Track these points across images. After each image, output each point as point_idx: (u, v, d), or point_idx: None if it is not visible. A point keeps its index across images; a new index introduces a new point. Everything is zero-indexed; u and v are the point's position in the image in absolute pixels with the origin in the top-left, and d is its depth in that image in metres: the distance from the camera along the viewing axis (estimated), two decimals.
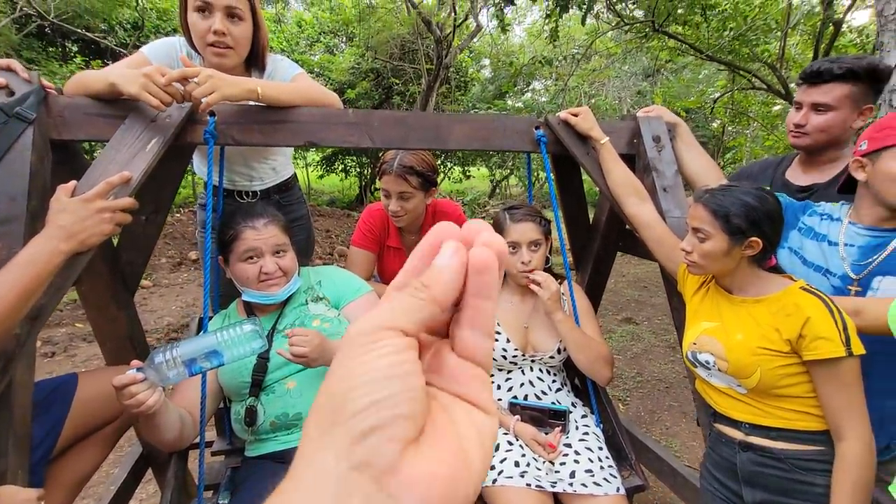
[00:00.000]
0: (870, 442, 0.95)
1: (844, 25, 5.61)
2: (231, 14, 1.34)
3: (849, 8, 5.30)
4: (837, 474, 0.96)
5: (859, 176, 1.12)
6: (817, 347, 0.95)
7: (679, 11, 5.47)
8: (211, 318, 1.45)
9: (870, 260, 1.10)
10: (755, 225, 1.02)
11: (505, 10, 5.91)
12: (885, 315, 0.93)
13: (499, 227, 1.50)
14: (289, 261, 1.33)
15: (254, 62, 1.47)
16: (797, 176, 1.47)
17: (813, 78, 1.34)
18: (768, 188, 1.47)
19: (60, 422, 1.10)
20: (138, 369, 1.01)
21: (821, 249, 1.18)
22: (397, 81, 9.85)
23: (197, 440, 1.27)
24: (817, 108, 1.34)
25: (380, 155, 1.74)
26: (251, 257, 1.28)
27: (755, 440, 1.06)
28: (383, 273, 1.96)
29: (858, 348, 0.94)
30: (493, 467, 1.32)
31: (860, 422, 0.96)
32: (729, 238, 1.03)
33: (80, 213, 0.97)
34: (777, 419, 1.03)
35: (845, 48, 6.02)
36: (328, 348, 1.21)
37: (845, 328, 0.95)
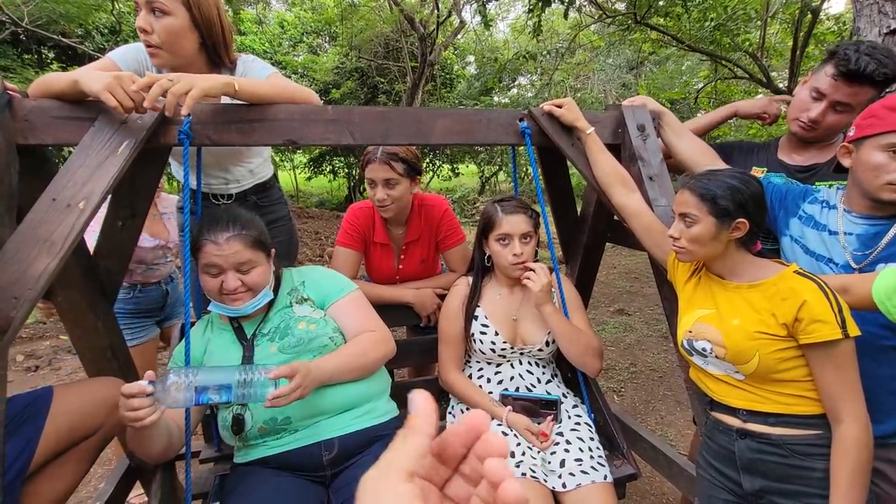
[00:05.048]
0: (867, 423, 0.95)
1: (822, 13, 5.68)
2: (152, 9, 1.26)
3: None
4: (836, 457, 0.95)
5: (845, 162, 1.12)
6: (814, 330, 0.94)
7: (660, 3, 5.50)
8: (193, 323, 1.41)
9: (870, 250, 1.08)
10: (741, 207, 1.02)
11: (488, 6, 5.90)
12: (871, 290, 0.93)
13: (490, 220, 1.48)
14: (256, 276, 1.25)
15: (218, 61, 1.41)
16: (791, 157, 1.44)
17: (853, 77, 1.22)
18: (765, 169, 1.46)
19: (35, 438, 1.06)
20: (150, 382, 0.98)
21: (822, 239, 1.16)
22: (382, 80, 9.80)
23: (183, 450, 1.23)
24: (838, 105, 1.27)
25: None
26: (212, 271, 1.24)
27: (753, 427, 1.05)
28: (371, 271, 1.94)
29: (854, 330, 0.94)
30: None
31: (857, 404, 0.95)
32: (716, 221, 1.03)
33: None
34: (775, 404, 1.03)
35: (823, 35, 6.10)
36: (315, 376, 1.17)
37: (840, 310, 0.94)
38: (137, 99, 1.02)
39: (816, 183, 1.33)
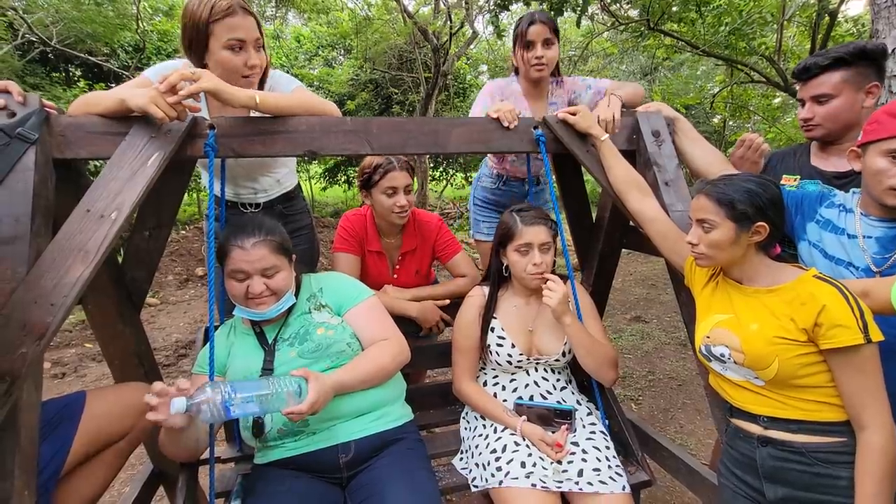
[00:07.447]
0: (892, 430, 0.93)
1: (840, 15, 5.60)
2: (258, 45, 1.40)
3: None
4: (860, 465, 0.93)
5: (855, 166, 1.12)
6: (835, 336, 0.93)
7: (674, 9, 5.49)
8: (217, 327, 1.45)
9: (890, 253, 1.07)
10: (760, 210, 1.01)
11: (500, 16, 5.95)
12: (889, 294, 0.92)
13: (509, 230, 1.47)
14: (279, 281, 1.29)
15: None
16: (825, 163, 1.44)
17: (803, 74, 1.38)
18: (798, 176, 1.44)
19: (69, 441, 1.10)
20: (189, 399, 1.01)
21: (840, 242, 1.15)
22: (396, 91, 9.91)
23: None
24: (818, 99, 1.36)
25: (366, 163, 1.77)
26: (239, 276, 1.27)
27: (774, 434, 1.04)
28: (364, 277, 1.89)
29: (877, 335, 0.92)
30: (499, 469, 1.31)
31: (881, 410, 0.93)
32: (735, 225, 1.02)
33: None
34: (796, 411, 1.01)
35: (842, 38, 6.00)
36: (327, 396, 1.18)
37: (862, 315, 0.93)
38: (178, 109, 1.10)
39: (853, 190, 1.31)
